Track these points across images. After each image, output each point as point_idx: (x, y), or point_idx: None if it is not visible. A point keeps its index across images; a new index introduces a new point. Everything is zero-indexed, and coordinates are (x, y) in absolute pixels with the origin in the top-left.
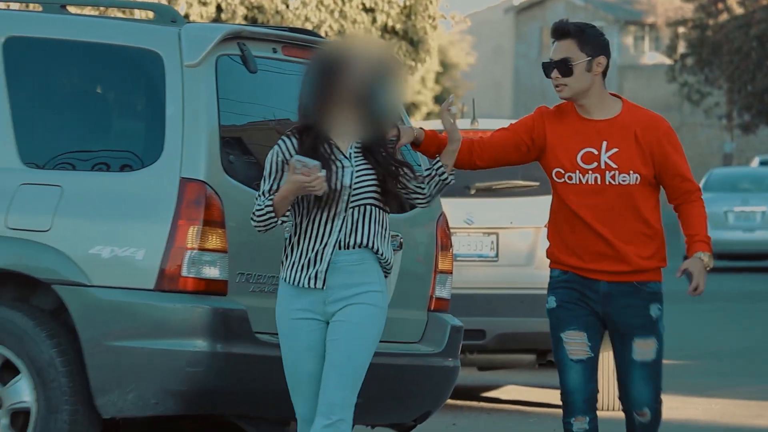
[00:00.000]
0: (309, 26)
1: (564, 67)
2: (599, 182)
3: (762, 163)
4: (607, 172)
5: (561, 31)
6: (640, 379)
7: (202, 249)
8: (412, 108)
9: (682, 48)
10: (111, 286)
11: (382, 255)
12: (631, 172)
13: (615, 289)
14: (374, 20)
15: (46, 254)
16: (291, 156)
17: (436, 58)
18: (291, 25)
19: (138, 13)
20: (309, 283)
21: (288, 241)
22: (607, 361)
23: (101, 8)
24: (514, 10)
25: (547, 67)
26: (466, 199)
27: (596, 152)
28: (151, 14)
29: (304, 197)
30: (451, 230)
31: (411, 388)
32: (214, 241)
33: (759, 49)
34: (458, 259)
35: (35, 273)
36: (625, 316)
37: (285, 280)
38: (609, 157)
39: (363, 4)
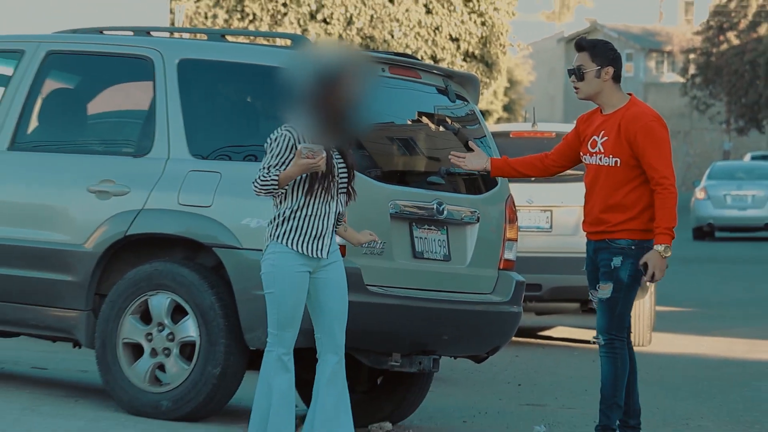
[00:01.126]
0: (408, 52)
1: (578, 73)
2: (596, 163)
3: (753, 158)
4: (600, 155)
5: (578, 45)
6: (598, 312)
7: None
8: (486, 114)
9: (692, 70)
10: (256, 249)
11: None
12: (611, 156)
13: (598, 245)
14: (458, 47)
15: (208, 224)
16: (299, 142)
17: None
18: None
19: (279, 41)
20: (318, 253)
21: (291, 215)
22: (636, 305)
23: (251, 37)
24: (565, 40)
25: (569, 73)
26: (527, 184)
27: (597, 139)
28: (288, 42)
29: (315, 183)
30: (516, 208)
31: (485, 328)
32: None
33: (751, 71)
34: (522, 229)
35: (200, 238)
36: (600, 267)
37: (291, 247)
38: (602, 144)
39: (450, 35)
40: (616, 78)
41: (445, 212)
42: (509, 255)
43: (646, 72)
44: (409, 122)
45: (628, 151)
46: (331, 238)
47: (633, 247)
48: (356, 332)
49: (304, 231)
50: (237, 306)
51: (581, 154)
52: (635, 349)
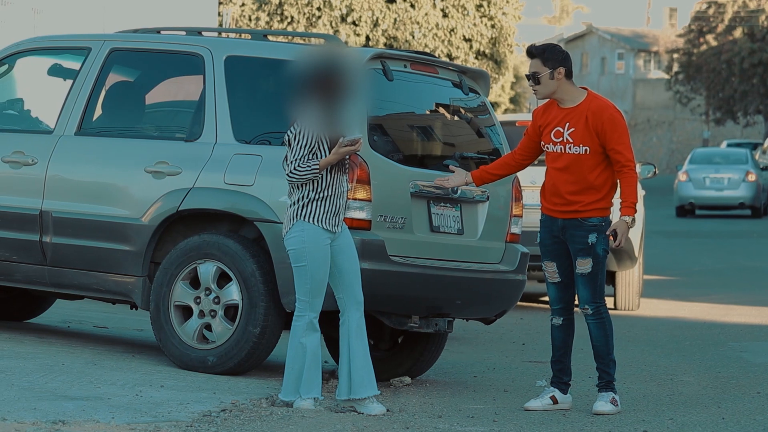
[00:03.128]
0: (427, 50)
1: (534, 78)
2: (562, 151)
3: (729, 146)
4: (567, 144)
5: (530, 53)
6: (581, 286)
7: (355, 199)
8: (494, 106)
9: (675, 68)
10: None
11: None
12: (581, 145)
13: (568, 223)
14: (471, 47)
15: (250, 201)
16: (322, 133)
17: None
18: (416, 50)
19: (314, 40)
20: (338, 228)
21: (315, 196)
22: (623, 276)
23: (289, 37)
24: (564, 41)
25: (527, 78)
26: (531, 168)
27: (562, 130)
28: (322, 41)
29: (336, 164)
30: (522, 188)
31: (493, 293)
32: (363, 193)
33: (727, 69)
34: (526, 207)
35: (243, 213)
36: (573, 243)
37: (317, 224)
38: (569, 134)
39: (464, 36)
40: (569, 75)
41: (459, 192)
42: (515, 229)
43: (635, 69)
44: (428, 112)
45: (596, 140)
46: (344, 213)
47: (603, 224)
48: (380, 297)
49: (327, 209)
50: (275, 273)
51: (542, 143)
52: (626, 312)
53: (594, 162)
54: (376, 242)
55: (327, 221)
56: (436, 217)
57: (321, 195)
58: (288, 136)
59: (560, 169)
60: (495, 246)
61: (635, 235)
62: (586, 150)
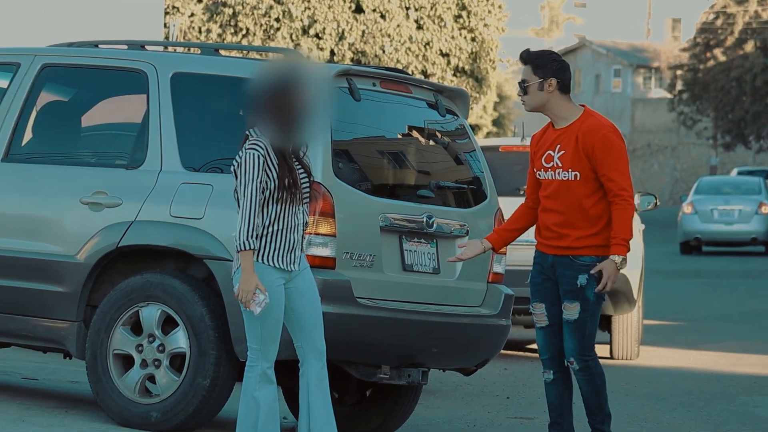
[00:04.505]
0: (399, 66)
1: (521, 87)
2: (552, 177)
3: (739, 173)
4: (557, 169)
5: (522, 59)
6: (567, 334)
7: (317, 233)
8: (475, 129)
9: (679, 86)
10: None
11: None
12: (570, 170)
13: (558, 260)
14: (449, 62)
15: (199, 236)
16: (269, 154)
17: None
18: (386, 66)
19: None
20: (292, 266)
21: (263, 231)
22: (620, 321)
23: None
24: None
25: (518, 86)
26: (516, 198)
27: (552, 153)
28: (281, 56)
29: (282, 194)
30: (505, 221)
31: (474, 341)
32: (326, 227)
33: (737, 87)
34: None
35: (191, 250)
36: (561, 283)
37: (267, 262)
38: (559, 158)
39: (440, 50)
40: (563, 89)
41: (435, 225)
42: (498, 268)
43: (634, 88)
44: (400, 136)
45: (587, 164)
46: (301, 249)
47: (597, 264)
48: (346, 344)
49: (277, 245)
50: (227, 318)
51: (535, 170)
52: (623, 362)
53: (586, 190)
54: (341, 282)
55: (279, 259)
56: (409, 254)
57: (271, 229)
58: (233, 165)
59: (548, 197)
60: (475, 287)
61: (634, 275)
62: (575, 175)
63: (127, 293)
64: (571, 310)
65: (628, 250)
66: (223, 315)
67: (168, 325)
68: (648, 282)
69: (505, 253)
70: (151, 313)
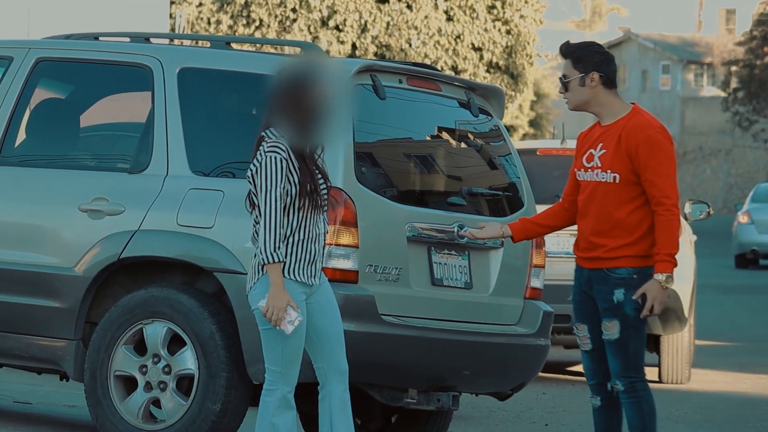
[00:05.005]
0: (428, 62)
1: (562, 83)
2: (590, 179)
3: None
4: (596, 169)
5: (561, 52)
6: (609, 355)
7: (338, 244)
8: (511, 130)
9: (734, 83)
10: None
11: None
12: (609, 171)
13: (593, 274)
14: (481, 57)
15: (209, 247)
16: (290, 156)
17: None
18: (413, 61)
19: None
20: (314, 279)
21: (284, 242)
22: (670, 341)
23: (257, 45)
24: None
25: (558, 84)
26: None
27: (594, 152)
28: (298, 50)
29: (304, 200)
30: None
31: (509, 363)
32: (348, 238)
33: None
34: (550, 255)
35: (200, 262)
36: (598, 300)
37: (289, 276)
38: (599, 157)
39: (472, 44)
40: (608, 83)
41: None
42: (536, 283)
43: (684, 85)
44: (428, 138)
45: (629, 166)
46: (322, 261)
47: (635, 276)
48: (369, 365)
49: (299, 257)
50: (240, 336)
51: (575, 170)
52: (673, 386)
53: (625, 195)
54: (365, 298)
55: (301, 272)
56: (439, 267)
57: (291, 240)
58: (251, 170)
59: (584, 201)
60: (511, 303)
61: (684, 290)
62: (614, 177)
63: (130, 309)
64: (611, 330)
65: (675, 265)
66: (234, 333)
67: (174, 344)
68: (700, 298)
69: (543, 266)
70: (156, 331)
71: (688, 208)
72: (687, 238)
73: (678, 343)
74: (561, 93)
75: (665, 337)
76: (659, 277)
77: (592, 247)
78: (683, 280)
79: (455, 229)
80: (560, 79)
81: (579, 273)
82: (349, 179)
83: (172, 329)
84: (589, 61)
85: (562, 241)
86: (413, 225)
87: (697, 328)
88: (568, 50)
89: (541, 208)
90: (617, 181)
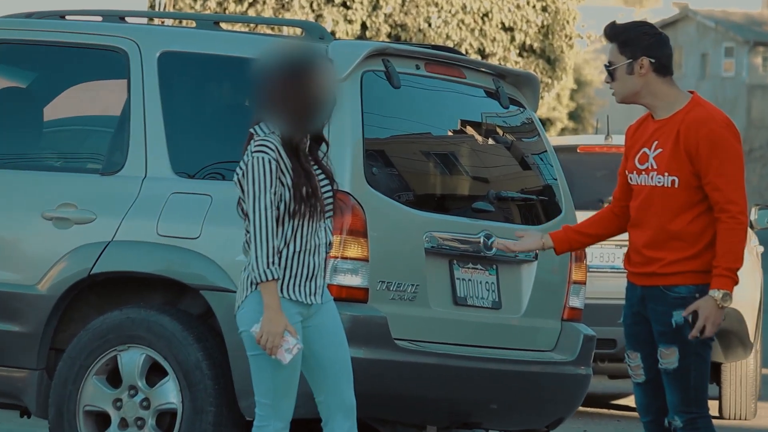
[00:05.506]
0: (450, 44)
1: (608, 71)
2: (645, 183)
3: None
4: (651, 172)
5: (606, 35)
6: (667, 387)
7: (344, 258)
8: (547, 124)
9: None
10: None
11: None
12: (666, 173)
13: (647, 293)
14: (513, 39)
15: (194, 261)
16: (281, 156)
17: (571, 76)
18: (433, 43)
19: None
20: (313, 298)
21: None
22: (732, 369)
23: (251, 25)
24: None
25: (603, 70)
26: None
27: (648, 152)
28: (299, 31)
29: (300, 207)
30: None
31: (544, 395)
32: (356, 249)
33: None
34: (591, 270)
35: (184, 278)
36: (654, 322)
37: (283, 294)
38: (654, 157)
39: (502, 23)
40: (661, 70)
41: (495, 247)
42: (576, 302)
43: (751, 71)
44: (450, 133)
45: (689, 167)
46: (324, 276)
47: (697, 295)
48: (381, 398)
49: (294, 272)
50: (230, 365)
51: (627, 172)
52: (737, 422)
53: (685, 200)
54: (376, 320)
55: (297, 289)
56: (462, 283)
57: (286, 252)
58: (237, 174)
59: (638, 208)
60: (547, 326)
61: (749, 311)
62: (673, 181)
63: (103, 334)
64: (669, 357)
65: (736, 282)
66: (224, 361)
67: (154, 374)
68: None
69: (584, 283)
70: (132, 359)
71: (754, 214)
72: (753, 250)
73: (742, 373)
74: (606, 82)
75: (727, 366)
76: (715, 294)
77: (647, 262)
78: (748, 299)
79: (482, 240)
80: (605, 66)
81: (631, 291)
82: (358, 181)
83: (151, 357)
84: (639, 44)
85: (606, 254)
86: (432, 235)
87: (764, 355)
88: (614, 32)
89: (582, 215)
90: (676, 185)
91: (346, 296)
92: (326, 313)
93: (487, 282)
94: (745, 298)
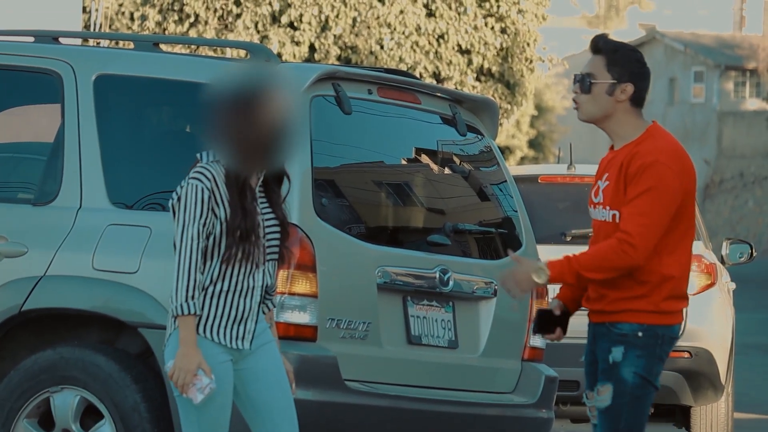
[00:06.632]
0: (403, 67)
1: (584, 82)
2: (596, 217)
3: None
4: (599, 206)
5: (593, 46)
6: (598, 427)
7: (292, 294)
8: (506, 152)
9: None
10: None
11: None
12: (608, 207)
13: (597, 330)
14: (470, 62)
15: (132, 296)
16: (217, 185)
17: (531, 102)
18: (385, 66)
19: (230, 52)
20: (240, 343)
21: (203, 291)
22: (702, 413)
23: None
24: None
25: (574, 80)
26: (561, 246)
27: (600, 184)
28: (243, 53)
29: (233, 248)
30: None
31: None
32: (304, 285)
33: None
34: None
35: (121, 315)
36: (599, 359)
37: (206, 335)
38: (603, 190)
39: (459, 46)
40: (637, 101)
41: (452, 283)
42: (537, 341)
43: (721, 97)
44: (405, 162)
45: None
46: (257, 320)
47: (640, 334)
48: None
49: (220, 312)
50: (170, 407)
51: (588, 207)
52: None
53: None
54: (325, 360)
55: (222, 332)
56: (417, 321)
57: (213, 290)
58: (171, 200)
59: (592, 245)
60: (506, 366)
61: (720, 351)
62: (614, 215)
63: (34, 374)
64: (602, 395)
65: (565, 280)
66: (164, 403)
67: (89, 417)
68: (740, 360)
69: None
70: (66, 401)
71: (725, 248)
72: (724, 286)
73: (713, 417)
74: (575, 93)
75: (697, 410)
76: (539, 264)
77: (598, 298)
78: (718, 339)
79: (437, 275)
80: (582, 76)
81: (589, 329)
82: (307, 213)
83: (86, 399)
84: (628, 68)
85: None
86: (385, 269)
87: (736, 398)
88: (606, 46)
89: (544, 249)
90: (617, 220)
91: (293, 334)
92: (264, 354)
93: (442, 320)
94: (715, 337)
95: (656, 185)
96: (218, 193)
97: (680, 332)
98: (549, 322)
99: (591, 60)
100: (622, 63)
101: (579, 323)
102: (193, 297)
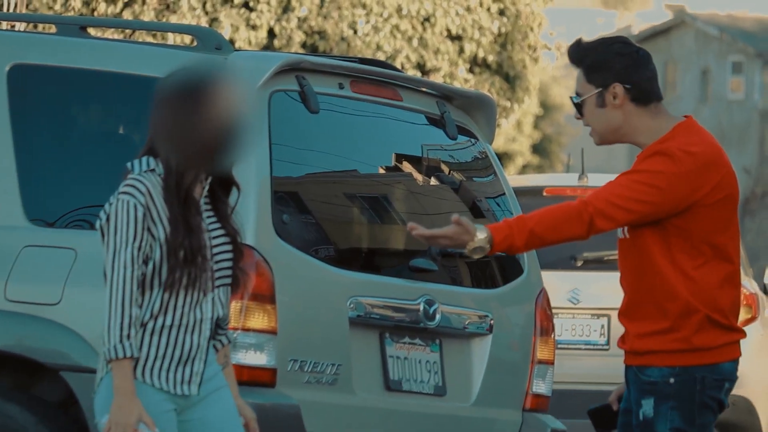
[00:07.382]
0: (381, 56)
1: (575, 105)
2: (618, 235)
3: None
4: None
5: (570, 58)
6: None
7: (246, 329)
8: (505, 159)
9: None
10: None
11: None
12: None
13: (627, 375)
14: (461, 50)
15: (53, 333)
16: (152, 200)
17: (535, 98)
18: (360, 56)
19: (172, 38)
20: (184, 388)
21: (140, 327)
22: None
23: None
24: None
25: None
26: (571, 272)
27: None
28: (189, 39)
29: (176, 273)
30: (553, 311)
31: None
32: (261, 319)
33: None
34: (561, 346)
35: (39, 356)
36: (633, 412)
37: (144, 380)
38: None
39: (448, 31)
40: (640, 98)
41: (438, 317)
42: (541, 387)
43: (764, 91)
44: (383, 171)
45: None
46: (205, 359)
47: (672, 380)
48: None
49: (163, 352)
50: None
51: None
52: None
53: (655, 252)
54: (286, 409)
55: (164, 375)
56: (397, 363)
57: (152, 325)
58: (100, 218)
59: (620, 269)
60: (503, 417)
61: (762, 399)
62: (623, 230)
63: None
64: None
65: (514, 242)
66: None
67: None
68: None
69: (552, 363)
70: None
71: None
72: (767, 321)
73: None
74: (577, 118)
75: None
76: (480, 234)
77: (624, 335)
78: (759, 384)
79: (422, 307)
80: (571, 99)
81: (625, 373)
82: (264, 232)
83: None
84: (609, 68)
85: (578, 325)
86: (359, 300)
87: None
88: (579, 54)
89: (550, 275)
90: (626, 234)
91: (247, 379)
92: (215, 402)
93: (428, 361)
94: (756, 383)
95: (651, 169)
96: (155, 208)
97: (734, 370)
98: (610, 418)
99: (576, 77)
100: (599, 65)
101: (590, 365)
102: (129, 336)
